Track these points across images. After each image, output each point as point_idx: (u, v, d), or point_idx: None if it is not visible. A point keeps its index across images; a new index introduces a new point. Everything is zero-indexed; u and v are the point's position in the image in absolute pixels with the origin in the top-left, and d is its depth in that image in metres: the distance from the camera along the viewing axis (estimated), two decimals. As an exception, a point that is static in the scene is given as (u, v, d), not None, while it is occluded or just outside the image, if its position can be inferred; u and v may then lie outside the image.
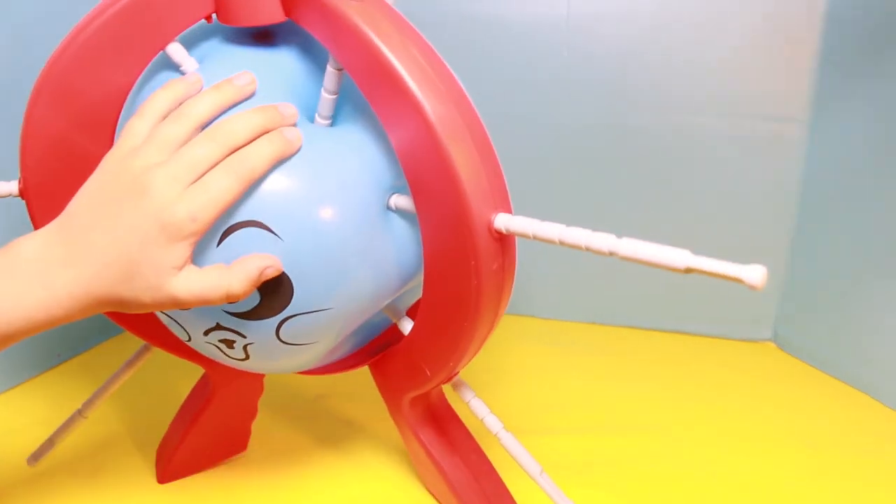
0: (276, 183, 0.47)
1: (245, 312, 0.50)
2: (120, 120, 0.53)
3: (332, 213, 0.48)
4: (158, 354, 0.66)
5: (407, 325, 0.57)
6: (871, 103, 0.89)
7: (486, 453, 0.65)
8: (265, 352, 0.53)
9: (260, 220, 0.47)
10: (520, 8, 0.99)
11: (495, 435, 0.58)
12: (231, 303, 0.48)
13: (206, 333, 0.52)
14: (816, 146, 0.97)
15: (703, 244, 1.02)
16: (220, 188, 0.45)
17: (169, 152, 0.45)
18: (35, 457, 0.68)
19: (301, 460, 0.76)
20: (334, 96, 0.50)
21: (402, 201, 0.51)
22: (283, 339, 0.51)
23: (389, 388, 0.62)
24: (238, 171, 0.45)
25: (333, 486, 0.72)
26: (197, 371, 0.69)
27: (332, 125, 0.52)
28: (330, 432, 0.81)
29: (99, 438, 0.77)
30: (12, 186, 0.55)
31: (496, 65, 0.99)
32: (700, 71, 0.98)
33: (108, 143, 0.53)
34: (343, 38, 0.46)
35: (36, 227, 0.54)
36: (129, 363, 0.66)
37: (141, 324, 0.61)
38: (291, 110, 0.49)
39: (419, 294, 0.54)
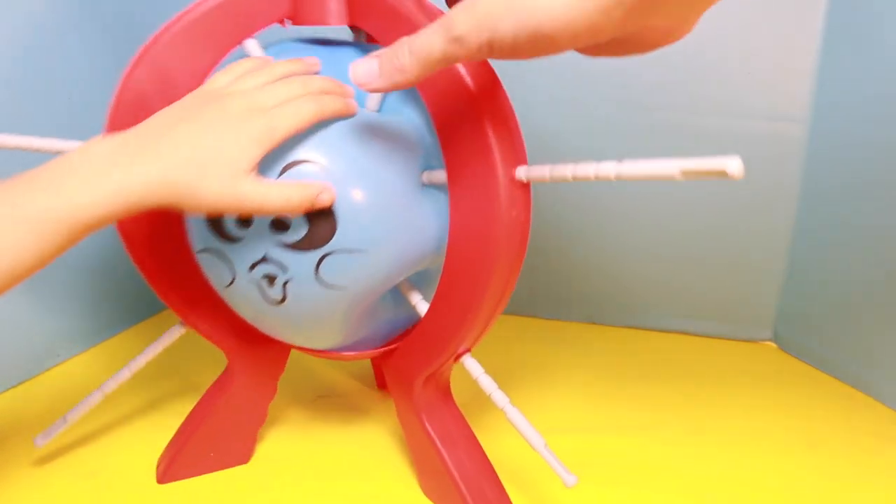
0: (336, 133, 0.55)
1: (293, 243, 0.55)
2: None
3: (376, 168, 0.56)
4: (175, 354, 0.67)
5: (423, 307, 0.62)
6: (871, 103, 0.89)
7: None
8: (301, 294, 0.57)
9: (317, 160, 0.54)
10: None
11: (501, 409, 0.60)
12: (287, 214, 0.54)
13: (251, 268, 0.57)
14: (816, 146, 0.97)
15: (704, 243, 1.03)
16: (300, 108, 0.51)
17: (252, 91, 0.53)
18: (46, 435, 0.69)
19: (300, 461, 0.76)
20: (379, 99, 0.59)
21: (434, 176, 0.58)
22: (321, 277, 0.56)
23: (403, 372, 0.65)
24: (318, 102, 0.52)
25: (333, 486, 0.72)
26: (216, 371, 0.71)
27: (378, 112, 0.60)
28: (329, 433, 0.81)
29: (103, 435, 0.78)
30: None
31: (494, 65, 0.99)
32: (700, 71, 0.98)
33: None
34: (396, 33, 0.52)
35: None
36: (156, 345, 0.69)
37: (180, 297, 0.66)
38: (351, 89, 0.57)
39: (435, 282, 0.60)
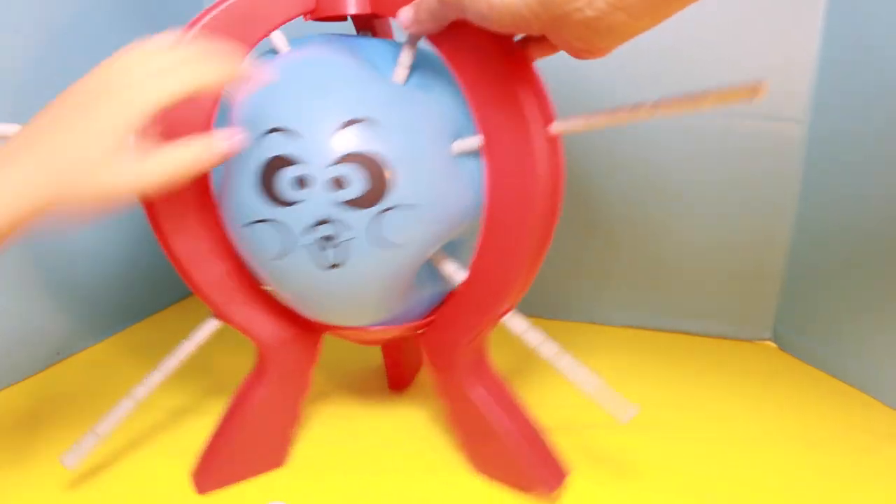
0: (376, 96, 0.60)
1: (353, 200, 0.58)
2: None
3: (419, 128, 0.60)
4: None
5: (460, 275, 0.65)
6: (871, 103, 0.89)
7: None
8: (358, 255, 0.60)
9: (376, 117, 0.58)
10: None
11: (551, 359, 0.65)
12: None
13: (308, 231, 0.59)
14: (816, 146, 0.97)
15: (704, 244, 1.03)
16: (160, 85, 0.49)
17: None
18: (75, 454, 0.66)
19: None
20: (407, 69, 0.62)
21: (465, 144, 0.61)
22: (379, 235, 0.59)
23: (446, 342, 0.67)
24: (183, 74, 0.50)
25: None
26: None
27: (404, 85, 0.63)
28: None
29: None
30: None
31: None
32: (700, 70, 0.98)
33: (211, 107, 0.63)
34: None
35: None
36: (188, 343, 0.68)
37: (215, 289, 0.66)
38: (238, 58, 0.58)
39: (464, 253, 0.64)
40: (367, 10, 0.63)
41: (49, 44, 0.89)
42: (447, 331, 0.67)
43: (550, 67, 0.65)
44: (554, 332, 1.04)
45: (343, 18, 0.66)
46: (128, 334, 1.01)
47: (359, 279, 0.62)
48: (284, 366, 0.71)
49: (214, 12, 0.61)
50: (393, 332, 0.69)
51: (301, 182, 0.58)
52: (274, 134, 0.59)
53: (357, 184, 0.58)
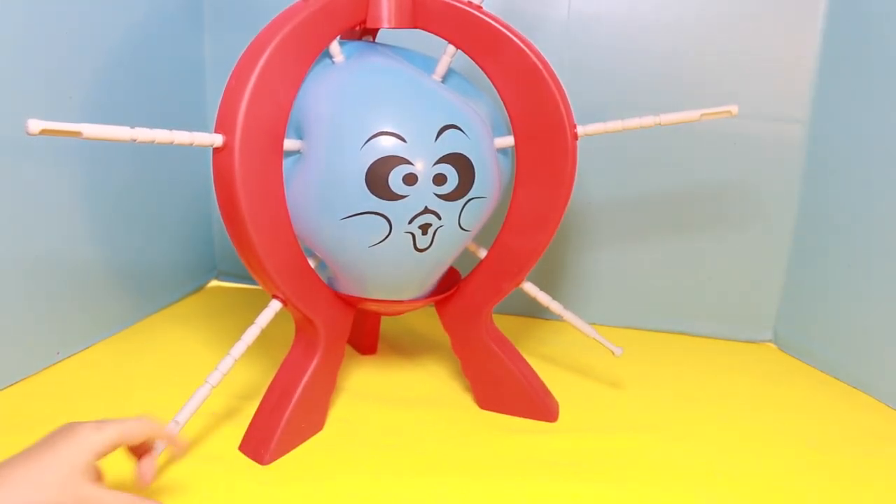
0: (456, 101, 0.73)
1: (447, 194, 0.70)
2: (299, 94, 0.70)
3: (482, 130, 0.73)
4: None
5: (482, 253, 0.82)
6: (872, 104, 0.89)
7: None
8: (445, 239, 0.73)
9: (460, 122, 0.71)
10: (521, 8, 0.99)
11: (560, 314, 0.84)
12: None
13: (411, 220, 0.70)
14: (816, 147, 0.98)
15: (705, 244, 1.04)
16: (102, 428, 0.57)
17: None
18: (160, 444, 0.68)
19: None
20: (439, 78, 0.75)
21: (502, 142, 0.76)
22: (461, 222, 0.73)
23: (471, 306, 0.83)
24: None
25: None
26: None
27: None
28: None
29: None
30: (215, 139, 0.65)
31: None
32: (701, 71, 0.99)
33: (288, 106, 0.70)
34: (462, 33, 0.74)
35: (236, 180, 0.65)
36: (254, 328, 0.73)
37: (282, 275, 0.71)
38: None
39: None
40: (411, 25, 0.75)
41: (122, 44, 0.96)
42: (474, 297, 0.82)
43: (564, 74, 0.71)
44: (555, 332, 1.06)
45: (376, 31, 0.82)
46: (128, 334, 1.01)
47: (436, 260, 0.75)
48: (330, 340, 0.78)
49: (287, 28, 0.67)
50: (419, 304, 0.81)
51: (408, 179, 0.68)
52: (380, 137, 0.68)
53: (452, 180, 0.70)
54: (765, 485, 0.73)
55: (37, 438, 0.55)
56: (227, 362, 0.71)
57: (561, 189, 0.76)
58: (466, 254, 0.81)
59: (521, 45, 0.73)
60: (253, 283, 0.86)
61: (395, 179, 0.68)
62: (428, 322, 1.02)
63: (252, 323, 0.73)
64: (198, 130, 0.65)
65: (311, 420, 0.78)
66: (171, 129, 0.62)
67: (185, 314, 1.11)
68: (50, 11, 0.83)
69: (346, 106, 0.69)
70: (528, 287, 0.83)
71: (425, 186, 0.69)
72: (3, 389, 0.83)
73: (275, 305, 0.73)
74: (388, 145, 0.68)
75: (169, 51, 1.07)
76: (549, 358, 1.00)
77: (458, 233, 0.73)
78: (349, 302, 0.79)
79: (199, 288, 1.22)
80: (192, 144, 0.64)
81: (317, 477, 0.71)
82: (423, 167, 0.68)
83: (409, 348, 1.03)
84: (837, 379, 0.97)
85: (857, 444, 0.81)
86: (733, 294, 1.08)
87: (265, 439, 0.74)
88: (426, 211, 0.70)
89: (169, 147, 0.63)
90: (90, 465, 0.55)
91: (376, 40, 0.83)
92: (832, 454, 0.79)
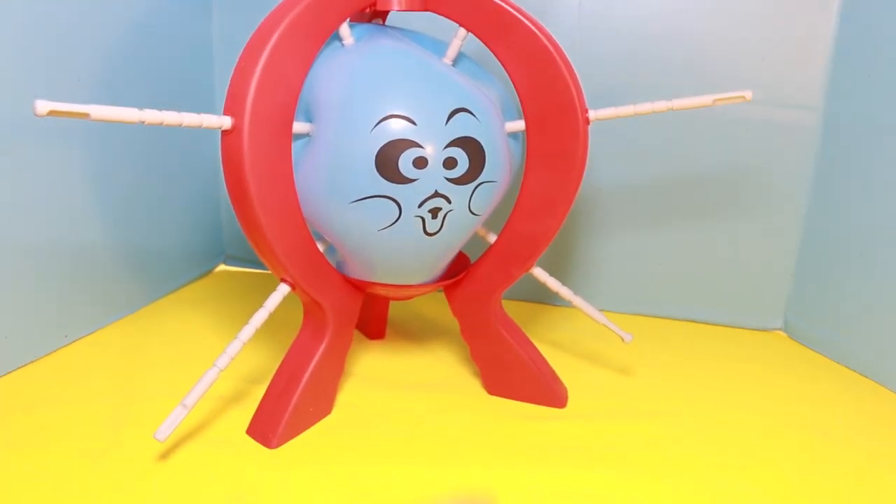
0: (469, 85, 0.72)
1: (457, 178, 0.70)
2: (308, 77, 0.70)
3: (493, 114, 0.73)
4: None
5: (492, 238, 0.82)
6: (886, 91, 0.88)
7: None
8: (455, 223, 0.72)
9: (471, 106, 0.71)
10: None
11: (570, 299, 0.84)
12: None
13: (421, 204, 0.69)
14: (829, 134, 0.97)
15: (716, 231, 1.03)
16: None
17: None
18: (168, 427, 0.67)
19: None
20: (450, 62, 0.75)
21: (512, 126, 0.76)
22: (471, 206, 0.72)
23: (481, 291, 0.82)
24: None
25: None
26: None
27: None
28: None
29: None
30: (223, 121, 0.65)
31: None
32: (715, 58, 0.98)
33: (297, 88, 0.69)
34: (475, 16, 0.73)
35: (245, 163, 0.65)
36: (262, 312, 0.72)
37: (292, 261, 0.71)
38: None
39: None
40: (422, 8, 0.74)
41: (131, 26, 0.96)
42: (483, 282, 0.82)
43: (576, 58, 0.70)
44: (565, 318, 1.06)
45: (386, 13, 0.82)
46: (136, 318, 1.01)
47: (445, 244, 0.75)
48: (339, 324, 0.78)
49: (297, 10, 0.66)
50: (428, 288, 0.80)
51: (418, 162, 0.67)
52: (390, 120, 0.67)
53: (462, 164, 0.69)
54: (774, 472, 0.73)
55: (42, 421, 0.55)
56: (236, 346, 0.71)
57: (572, 174, 0.76)
58: (476, 239, 0.80)
59: (533, 28, 0.72)
60: (261, 267, 0.86)
61: (404, 163, 0.67)
62: (436, 307, 1.02)
63: (260, 307, 0.72)
64: (206, 113, 0.64)
65: (318, 404, 0.78)
66: (179, 111, 0.62)
67: (192, 298, 1.11)
68: (58, -6, 0.83)
69: (356, 89, 0.69)
70: (538, 272, 0.83)
71: (435, 170, 0.68)
72: (10, 372, 0.83)
73: (283, 289, 0.73)
74: (398, 128, 0.67)
75: (178, 32, 1.06)
76: (558, 344, 0.99)
77: (467, 217, 0.73)
78: (358, 286, 0.78)
79: (207, 272, 1.22)
80: (200, 126, 0.64)
81: (324, 461, 0.71)
82: (433, 150, 0.68)
83: (418, 333, 1.02)
84: (847, 367, 0.97)
85: (866, 433, 0.81)
86: (743, 281, 1.07)
87: (273, 423, 0.74)
88: (436, 195, 0.69)
89: (178, 131, 0.63)
90: None
91: (386, 23, 0.82)
92: (841, 442, 0.79)
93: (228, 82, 0.66)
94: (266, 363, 0.88)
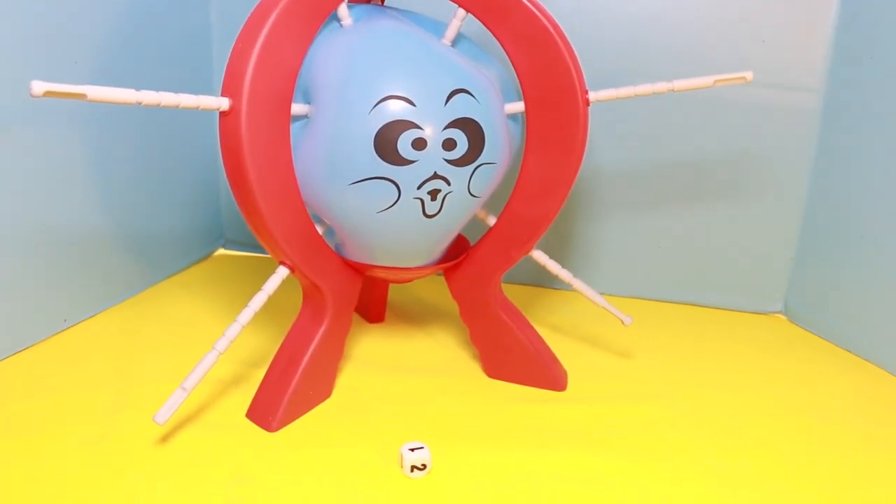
0: (469, 66, 0.72)
1: (456, 159, 0.70)
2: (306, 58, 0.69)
3: (492, 95, 0.72)
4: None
5: (492, 220, 0.81)
6: (887, 74, 0.88)
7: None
8: (454, 205, 0.72)
9: (470, 87, 0.70)
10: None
11: (569, 282, 0.83)
12: None
13: (420, 186, 0.69)
14: (830, 116, 0.97)
15: (716, 214, 1.03)
16: None
17: None
18: (167, 410, 0.67)
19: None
20: (449, 43, 0.74)
21: (512, 107, 0.76)
22: (470, 188, 0.72)
23: (481, 274, 0.83)
24: None
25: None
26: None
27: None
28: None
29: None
30: (221, 102, 0.65)
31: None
32: (716, 40, 0.98)
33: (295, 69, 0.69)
34: None
35: (243, 145, 0.64)
36: (261, 295, 0.72)
37: (291, 242, 0.71)
38: None
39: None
40: None
41: (128, 8, 0.95)
42: (483, 264, 0.82)
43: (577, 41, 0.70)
44: (566, 302, 1.06)
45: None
46: (135, 302, 1.01)
47: (444, 227, 0.75)
48: (338, 307, 0.77)
49: None
50: (427, 271, 0.80)
51: (417, 143, 0.67)
52: (389, 101, 0.67)
53: (462, 145, 0.69)
54: (773, 454, 0.73)
55: (42, 404, 0.55)
56: (235, 329, 0.70)
57: (572, 156, 0.75)
58: (475, 221, 0.80)
59: (532, 8, 0.72)
60: (260, 251, 0.86)
61: (403, 144, 0.67)
62: (436, 290, 1.02)
63: (259, 290, 0.72)
64: (204, 94, 0.64)
65: (318, 388, 0.78)
66: (177, 93, 0.62)
67: (192, 282, 1.11)
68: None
69: (355, 70, 0.68)
70: (538, 255, 0.83)
71: (434, 151, 0.68)
72: (10, 356, 0.83)
73: (282, 272, 0.73)
74: (396, 109, 0.67)
75: (176, 16, 1.05)
76: (557, 327, 0.99)
77: (467, 199, 0.73)
78: (357, 269, 0.78)
79: (207, 256, 1.22)
80: (198, 108, 0.63)
81: (324, 444, 0.71)
82: (432, 132, 0.68)
83: (417, 316, 1.02)
84: (847, 350, 0.97)
85: (866, 415, 0.82)
86: (744, 264, 1.07)
87: (273, 406, 0.74)
88: (435, 176, 0.69)
89: (176, 115, 0.63)
90: None
91: (385, 3, 0.81)
92: (841, 425, 0.79)
93: (226, 63, 0.66)
94: (265, 346, 0.87)
